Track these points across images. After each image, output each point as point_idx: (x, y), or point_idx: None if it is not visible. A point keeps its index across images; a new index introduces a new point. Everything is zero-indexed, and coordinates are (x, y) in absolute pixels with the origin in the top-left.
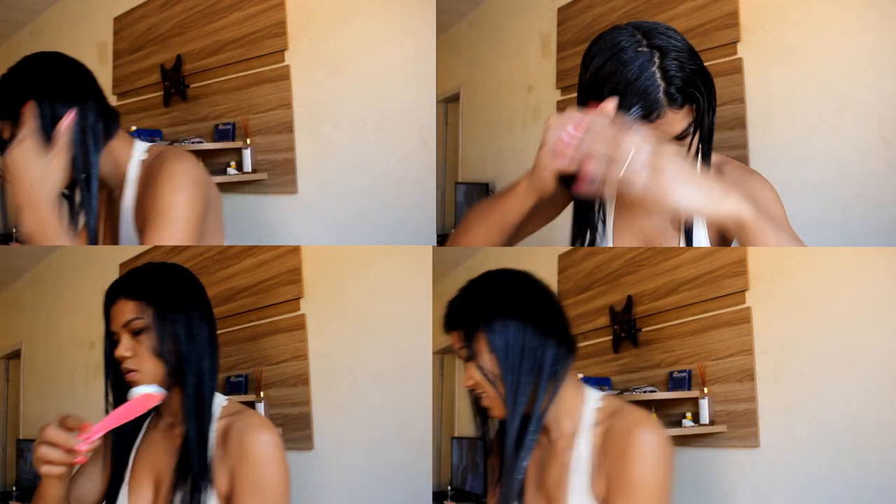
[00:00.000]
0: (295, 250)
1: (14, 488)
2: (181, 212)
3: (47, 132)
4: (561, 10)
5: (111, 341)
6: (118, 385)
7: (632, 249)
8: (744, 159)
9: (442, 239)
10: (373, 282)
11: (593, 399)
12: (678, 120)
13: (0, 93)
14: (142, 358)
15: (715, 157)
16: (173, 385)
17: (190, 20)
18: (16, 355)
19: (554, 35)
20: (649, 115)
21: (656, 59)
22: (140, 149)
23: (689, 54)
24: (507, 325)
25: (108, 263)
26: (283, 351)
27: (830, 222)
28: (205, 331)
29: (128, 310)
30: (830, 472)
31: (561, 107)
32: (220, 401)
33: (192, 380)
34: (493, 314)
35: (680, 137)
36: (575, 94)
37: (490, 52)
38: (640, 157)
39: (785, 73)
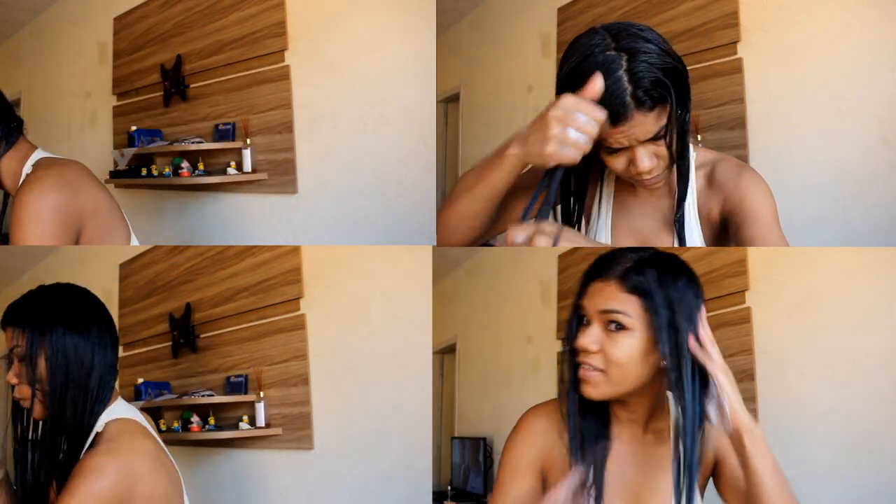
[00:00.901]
0: (295, 250)
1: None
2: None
3: None
4: (561, 10)
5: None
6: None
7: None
8: (744, 159)
9: None
10: (373, 282)
11: None
12: (649, 122)
13: None
14: (21, 386)
15: (711, 155)
16: None
17: (190, 20)
18: None
19: (554, 35)
20: (617, 118)
21: (624, 63)
22: (31, 162)
23: (660, 54)
24: (666, 308)
25: (107, 263)
26: (283, 351)
27: (830, 222)
28: (80, 355)
29: (9, 336)
30: (830, 472)
31: None
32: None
33: (55, 410)
34: (663, 284)
35: (655, 139)
36: None
37: (490, 52)
38: None
39: (785, 73)
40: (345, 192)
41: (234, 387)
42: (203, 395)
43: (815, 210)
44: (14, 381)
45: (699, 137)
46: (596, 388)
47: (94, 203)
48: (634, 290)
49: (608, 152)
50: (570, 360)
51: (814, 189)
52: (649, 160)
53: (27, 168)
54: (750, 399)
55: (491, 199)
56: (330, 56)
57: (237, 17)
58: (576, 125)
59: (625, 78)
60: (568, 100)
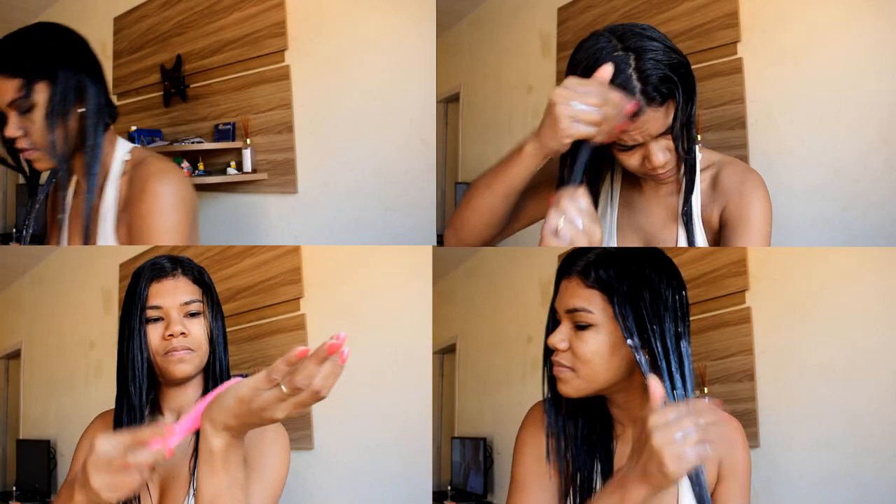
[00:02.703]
0: (295, 250)
1: (14, 488)
2: (169, 238)
3: (57, 113)
4: (561, 10)
5: None
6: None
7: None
8: (744, 159)
9: (442, 239)
10: (373, 282)
11: None
12: (660, 117)
13: (12, 51)
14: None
15: (717, 157)
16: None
17: (190, 20)
18: (16, 355)
19: (554, 35)
20: (630, 115)
21: (632, 62)
22: (124, 148)
23: (665, 50)
24: None
25: (108, 263)
26: (282, 351)
27: (830, 222)
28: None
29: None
30: (830, 472)
31: None
32: None
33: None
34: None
35: (667, 133)
36: None
37: (490, 52)
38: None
39: (785, 73)
40: (345, 192)
41: None
42: None
43: (815, 210)
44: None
45: (699, 137)
46: (568, 385)
47: (196, 202)
48: (595, 284)
49: (622, 150)
50: (547, 359)
51: (814, 189)
52: (663, 155)
53: (122, 154)
54: (750, 399)
55: (507, 195)
56: (330, 56)
57: (237, 17)
58: (580, 98)
59: (634, 76)
60: (570, 80)
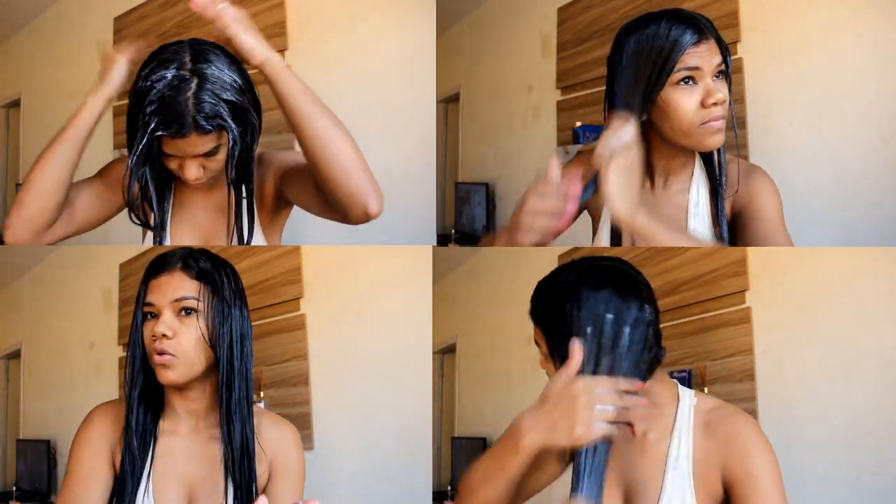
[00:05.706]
0: (295, 250)
1: (14, 488)
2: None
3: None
4: (561, 10)
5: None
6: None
7: (632, 249)
8: (744, 159)
9: (442, 239)
10: (373, 282)
11: None
12: (716, 52)
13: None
14: (183, 342)
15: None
16: (204, 382)
17: (190, 20)
18: (16, 355)
19: (554, 35)
20: (698, 38)
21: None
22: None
23: None
24: None
25: (108, 263)
26: (283, 351)
27: (830, 222)
28: (250, 332)
29: (181, 284)
30: (830, 472)
31: (561, 107)
32: None
33: (239, 381)
34: None
35: (718, 74)
36: (574, 95)
37: (490, 52)
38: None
39: (785, 73)
40: None
41: None
42: None
43: (815, 210)
44: (168, 333)
45: None
46: None
47: None
48: (539, 323)
49: (683, 84)
50: None
51: (814, 189)
52: (723, 93)
53: None
54: (750, 399)
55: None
56: (329, 56)
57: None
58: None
59: (691, 15)
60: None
